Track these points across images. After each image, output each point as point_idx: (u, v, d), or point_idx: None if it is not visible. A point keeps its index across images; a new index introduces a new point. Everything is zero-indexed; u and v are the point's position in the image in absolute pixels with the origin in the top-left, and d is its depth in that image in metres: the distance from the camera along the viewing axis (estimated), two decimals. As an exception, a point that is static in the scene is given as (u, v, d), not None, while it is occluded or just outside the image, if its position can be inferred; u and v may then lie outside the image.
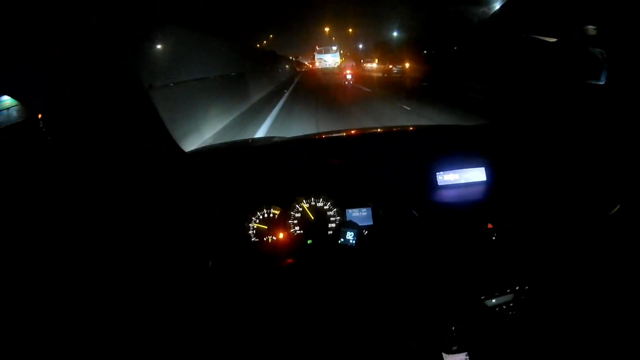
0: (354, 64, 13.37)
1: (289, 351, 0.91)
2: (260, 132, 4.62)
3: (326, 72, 21.38)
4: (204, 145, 1.47)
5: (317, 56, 24.43)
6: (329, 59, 23.72)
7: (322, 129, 4.75)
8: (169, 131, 1.06)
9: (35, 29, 0.80)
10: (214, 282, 1.02)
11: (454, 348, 0.88)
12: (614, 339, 0.96)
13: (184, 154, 1.15)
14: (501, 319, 0.98)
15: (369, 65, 23.02)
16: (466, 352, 0.87)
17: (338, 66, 22.64)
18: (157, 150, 1.05)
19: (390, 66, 16.00)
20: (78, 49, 0.86)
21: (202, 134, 3.75)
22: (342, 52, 24.89)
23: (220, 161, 1.24)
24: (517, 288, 1.01)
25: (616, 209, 1.14)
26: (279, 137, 1.39)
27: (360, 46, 27.64)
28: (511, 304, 1.00)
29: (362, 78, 15.29)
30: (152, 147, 1.04)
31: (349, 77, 13.26)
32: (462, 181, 1.23)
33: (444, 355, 0.88)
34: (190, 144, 2.70)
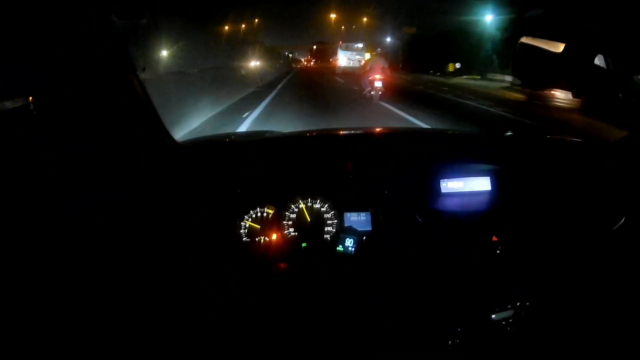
0: (385, 64, 7.92)
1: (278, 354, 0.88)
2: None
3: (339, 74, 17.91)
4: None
5: (340, 53, 21.97)
6: (354, 57, 21.15)
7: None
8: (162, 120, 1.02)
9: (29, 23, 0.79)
10: (200, 280, 0.98)
11: None
12: (619, 353, 0.92)
13: (176, 144, 1.11)
14: (500, 335, 0.94)
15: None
16: None
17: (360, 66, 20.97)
18: (148, 139, 1.02)
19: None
20: (68, 36, 0.84)
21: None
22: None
23: (214, 154, 1.20)
24: (518, 304, 0.96)
25: (621, 222, 1.09)
26: (277, 131, 1.36)
27: (388, 39, 24.07)
28: (511, 320, 0.96)
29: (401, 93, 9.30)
30: (143, 136, 1.01)
31: (377, 85, 7.58)
32: (467, 190, 1.17)
33: None
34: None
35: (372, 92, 7.73)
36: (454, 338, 0.88)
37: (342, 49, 22.09)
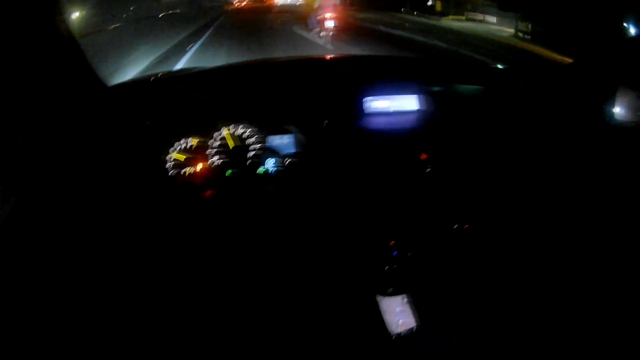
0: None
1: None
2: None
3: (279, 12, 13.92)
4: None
5: None
6: None
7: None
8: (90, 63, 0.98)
9: None
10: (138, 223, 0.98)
11: (390, 290, 0.81)
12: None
13: (106, 88, 1.08)
14: (442, 257, 0.90)
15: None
16: (405, 295, 0.80)
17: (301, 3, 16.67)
18: (76, 84, 0.98)
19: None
20: None
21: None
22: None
23: (141, 94, 1.19)
24: (456, 226, 0.94)
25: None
26: (201, 67, 1.35)
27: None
28: (451, 243, 0.93)
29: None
30: (70, 81, 0.96)
31: (329, 24, 6.53)
32: (393, 109, 1.17)
33: (378, 298, 0.80)
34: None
35: (322, 34, 6.78)
36: (391, 263, 0.85)
37: None
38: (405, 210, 0.98)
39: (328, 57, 1.48)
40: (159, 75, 1.32)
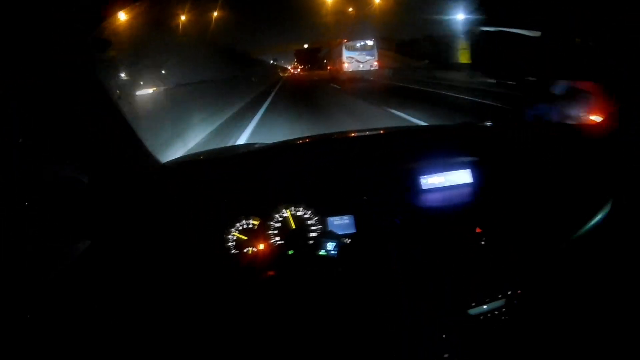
0: None
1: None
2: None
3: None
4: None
5: (345, 54, 17.26)
6: (362, 59, 17.13)
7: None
8: (143, 141, 1.05)
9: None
10: (194, 296, 1.01)
11: (445, 356, 0.84)
12: (612, 341, 0.91)
13: (160, 166, 1.16)
14: (494, 325, 0.94)
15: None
16: None
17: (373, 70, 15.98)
18: (131, 163, 1.06)
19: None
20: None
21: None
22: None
23: (198, 172, 1.25)
24: (509, 293, 0.96)
25: (605, 210, 1.08)
26: (260, 143, 1.39)
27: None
28: (504, 309, 0.95)
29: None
30: (126, 160, 1.04)
31: None
32: (448, 184, 1.17)
33: None
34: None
35: None
36: (446, 333, 0.87)
37: (347, 49, 17.85)
38: (463, 282, 0.98)
39: (382, 131, 1.47)
40: (216, 153, 1.39)
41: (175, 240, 1.08)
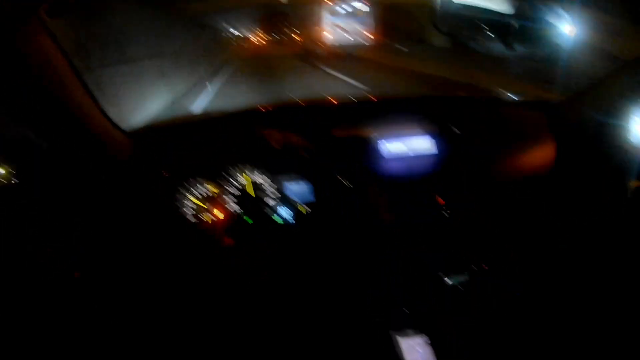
0: None
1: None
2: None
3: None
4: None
5: (326, 19, 12.59)
6: (351, 27, 12.47)
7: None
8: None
9: None
10: (157, 266, 1.03)
11: (410, 331, 0.84)
12: (579, 318, 0.93)
13: (122, 131, 1.11)
14: (460, 300, 0.93)
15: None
16: (423, 335, 0.83)
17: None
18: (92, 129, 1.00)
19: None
20: None
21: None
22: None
23: (159, 138, 1.21)
24: (474, 267, 0.95)
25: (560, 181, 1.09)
26: (219, 110, 1.36)
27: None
28: (469, 284, 0.95)
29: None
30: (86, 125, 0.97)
31: None
32: (410, 152, 1.16)
33: (398, 338, 0.83)
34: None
35: None
36: (407, 305, 0.88)
37: (331, 13, 13.00)
38: (425, 254, 0.99)
39: (347, 99, 1.45)
40: (176, 120, 1.36)
41: (135, 209, 1.07)
